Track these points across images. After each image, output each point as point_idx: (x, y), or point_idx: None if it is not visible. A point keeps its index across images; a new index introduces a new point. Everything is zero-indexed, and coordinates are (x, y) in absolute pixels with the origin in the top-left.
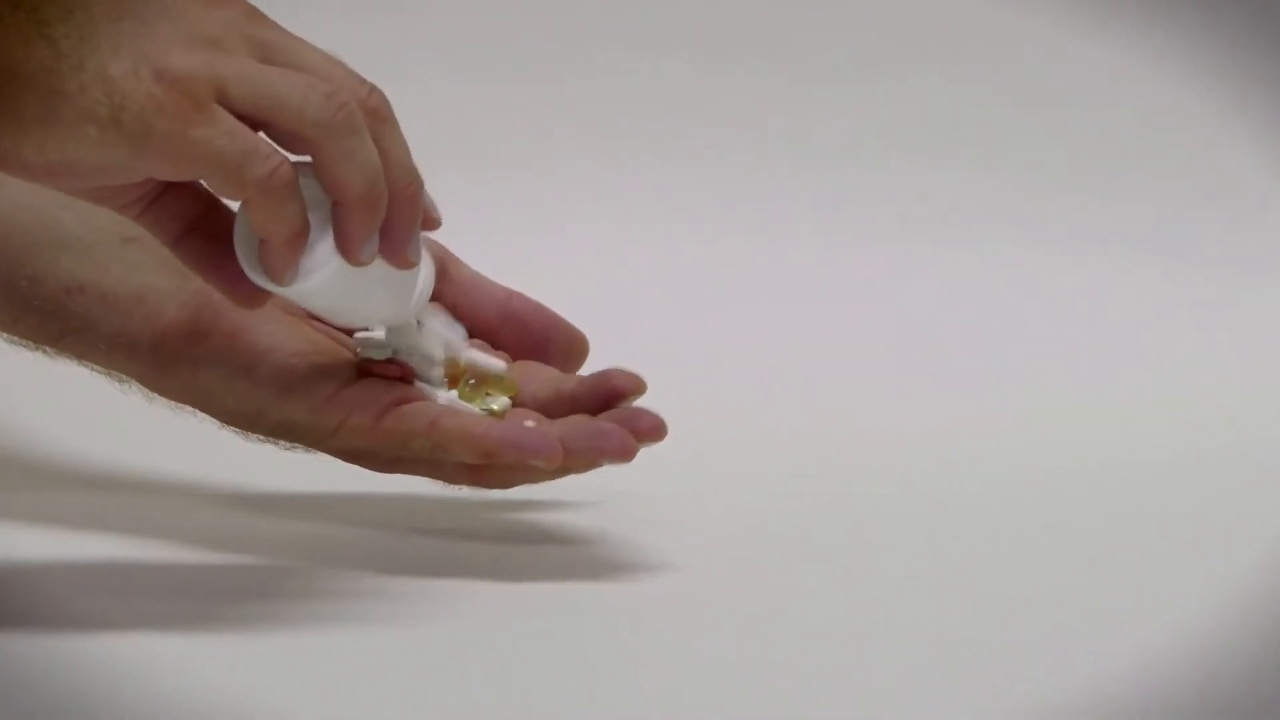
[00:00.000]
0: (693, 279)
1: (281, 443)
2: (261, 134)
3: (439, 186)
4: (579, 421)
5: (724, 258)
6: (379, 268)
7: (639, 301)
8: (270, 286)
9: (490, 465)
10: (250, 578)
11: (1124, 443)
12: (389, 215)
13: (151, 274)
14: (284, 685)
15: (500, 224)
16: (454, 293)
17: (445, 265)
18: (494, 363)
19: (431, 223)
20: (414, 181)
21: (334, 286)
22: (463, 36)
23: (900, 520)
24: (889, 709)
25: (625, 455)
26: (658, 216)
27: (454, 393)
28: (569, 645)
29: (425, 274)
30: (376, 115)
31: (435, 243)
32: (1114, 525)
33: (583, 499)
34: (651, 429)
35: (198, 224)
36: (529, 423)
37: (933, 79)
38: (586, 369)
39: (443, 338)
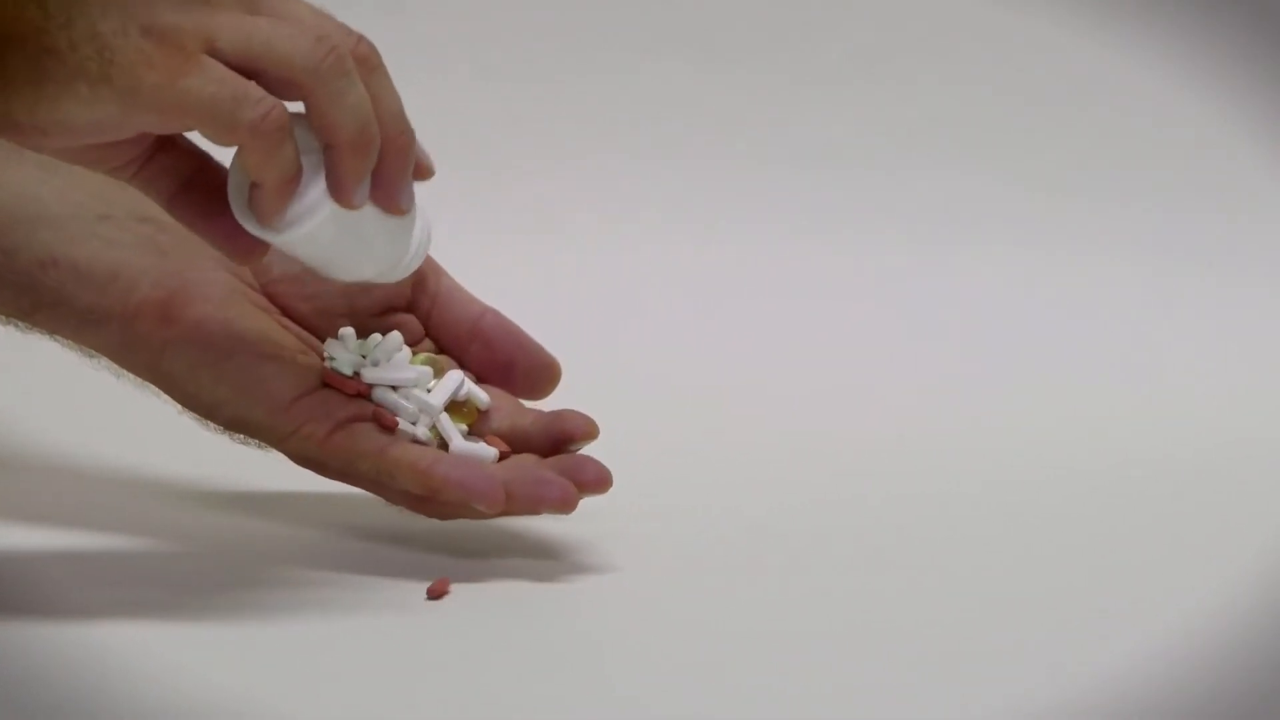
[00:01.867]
0: (691, 279)
1: (237, 437)
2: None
3: (438, 186)
4: (525, 466)
5: (724, 258)
6: (372, 218)
7: (637, 301)
8: (264, 234)
9: (433, 498)
10: (235, 572)
11: (1123, 442)
12: (381, 160)
13: (126, 251)
14: (267, 676)
15: (500, 224)
16: (428, 304)
17: (425, 275)
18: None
19: (424, 171)
20: (405, 128)
21: (327, 233)
22: (463, 36)
23: (899, 521)
24: (887, 709)
25: (565, 507)
26: (657, 216)
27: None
28: (537, 644)
29: (420, 231)
30: (367, 64)
31: None
32: (1113, 525)
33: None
34: (595, 481)
35: (191, 181)
36: (483, 443)
37: (934, 79)
38: (586, 384)
39: (420, 403)
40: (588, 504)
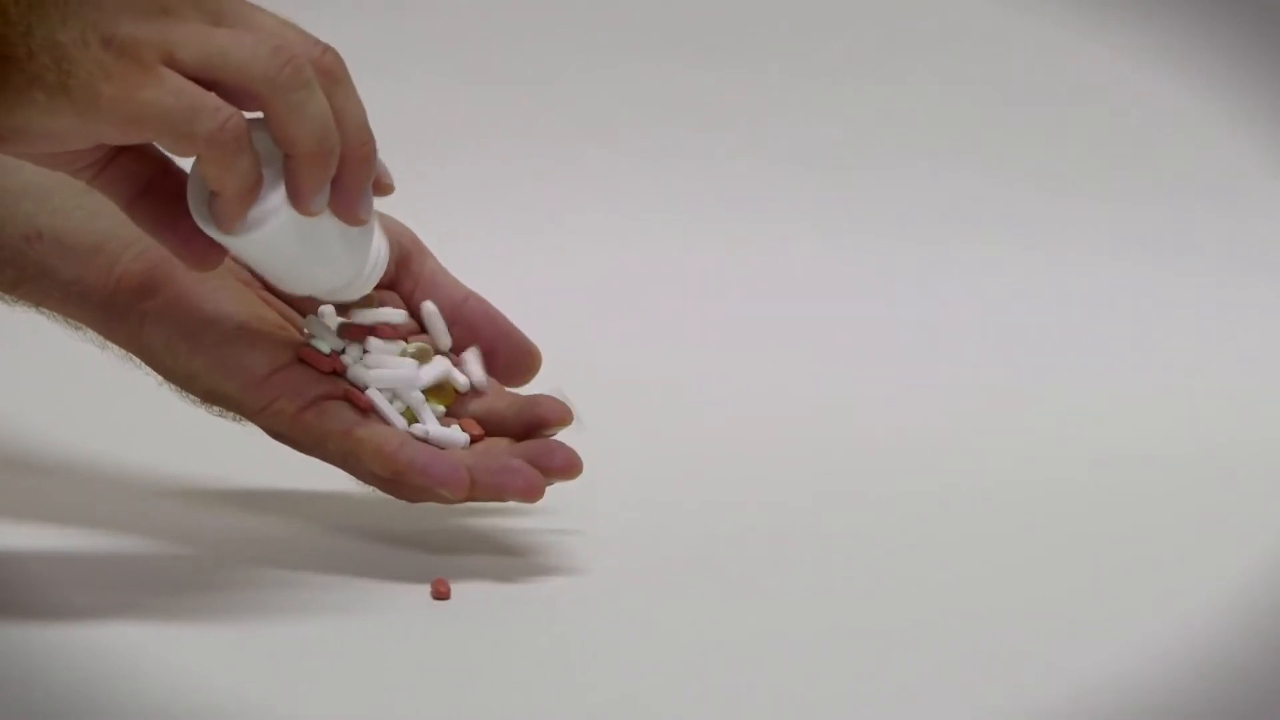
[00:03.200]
0: (688, 277)
1: (214, 410)
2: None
3: (437, 185)
4: (493, 453)
5: (722, 256)
6: (330, 230)
7: (634, 299)
8: (221, 238)
9: (398, 480)
10: (235, 573)
11: (1123, 442)
12: (341, 171)
13: (110, 222)
14: (267, 677)
15: (497, 223)
16: (411, 285)
17: (411, 257)
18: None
19: (384, 187)
20: (368, 140)
21: (283, 240)
22: (461, 36)
23: (896, 520)
24: (885, 709)
25: (530, 495)
26: (655, 215)
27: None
28: (537, 645)
29: (378, 248)
30: (331, 75)
31: (407, 232)
32: (1113, 525)
33: (570, 504)
34: (564, 466)
35: (151, 186)
36: (456, 426)
37: (933, 79)
38: (584, 382)
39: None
40: (586, 503)
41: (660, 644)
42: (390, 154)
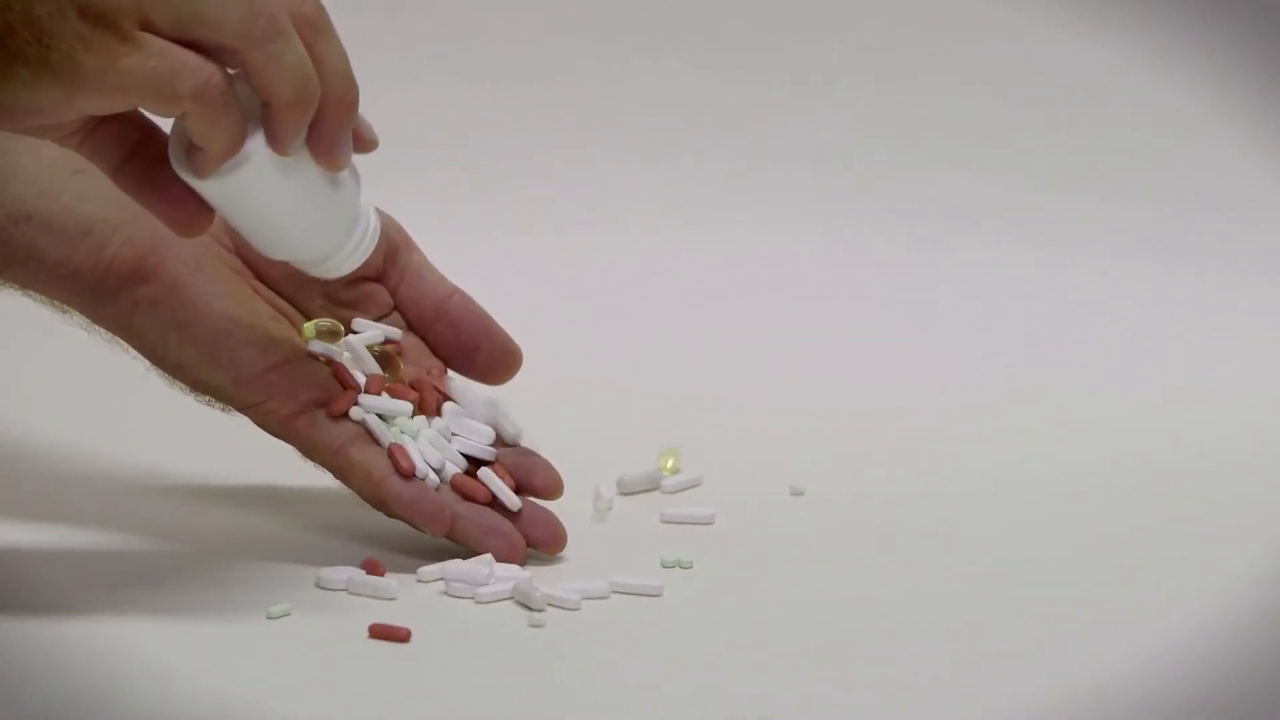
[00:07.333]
0: (688, 278)
1: (202, 398)
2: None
3: (434, 182)
4: (481, 508)
5: (722, 257)
6: (311, 181)
7: (635, 300)
8: (200, 185)
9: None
10: (235, 572)
11: (1123, 443)
12: (320, 115)
13: (99, 205)
14: (266, 677)
15: (498, 222)
16: (397, 278)
17: (397, 250)
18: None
19: (366, 143)
20: (349, 86)
21: (263, 188)
22: (461, 35)
23: (898, 521)
24: (887, 708)
25: (510, 559)
26: (655, 216)
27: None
28: (538, 644)
29: (367, 221)
30: (311, 24)
31: (395, 224)
32: (1113, 525)
33: (568, 504)
34: (545, 541)
35: (136, 151)
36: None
37: (934, 79)
38: (584, 383)
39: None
40: (583, 504)
41: (658, 644)
42: (389, 152)
